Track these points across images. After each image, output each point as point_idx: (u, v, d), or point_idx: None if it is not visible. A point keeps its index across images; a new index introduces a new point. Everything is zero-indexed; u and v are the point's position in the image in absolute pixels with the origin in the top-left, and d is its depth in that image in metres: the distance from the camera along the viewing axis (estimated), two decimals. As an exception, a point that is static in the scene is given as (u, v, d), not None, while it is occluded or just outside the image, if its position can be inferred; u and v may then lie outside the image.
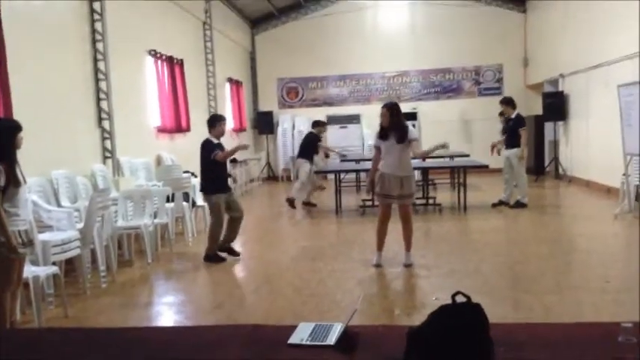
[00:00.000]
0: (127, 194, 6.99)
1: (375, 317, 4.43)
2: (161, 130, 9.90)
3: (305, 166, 10.51)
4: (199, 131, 11.85)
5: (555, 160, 14.15)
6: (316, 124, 11.14)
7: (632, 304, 4.54)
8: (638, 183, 8.77)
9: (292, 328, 2.41)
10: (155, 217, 7.10)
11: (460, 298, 2.80)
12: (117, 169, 8.04)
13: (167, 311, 5.07)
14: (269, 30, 17.06)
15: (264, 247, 7.63)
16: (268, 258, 6.91)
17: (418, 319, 4.42)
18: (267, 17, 16.87)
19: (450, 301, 4.61)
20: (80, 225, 5.70)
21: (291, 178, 16.49)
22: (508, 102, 10.09)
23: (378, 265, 6.04)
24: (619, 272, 5.68)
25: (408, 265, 6.00)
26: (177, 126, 10.41)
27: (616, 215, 8.55)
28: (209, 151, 6.66)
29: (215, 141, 6.75)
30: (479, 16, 16.20)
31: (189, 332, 3.04)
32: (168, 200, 7.58)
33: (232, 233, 6.85)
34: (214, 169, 6.70)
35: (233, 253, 6.84)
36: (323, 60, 16.61)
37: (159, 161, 9.41)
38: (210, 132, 6.83)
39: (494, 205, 9.83)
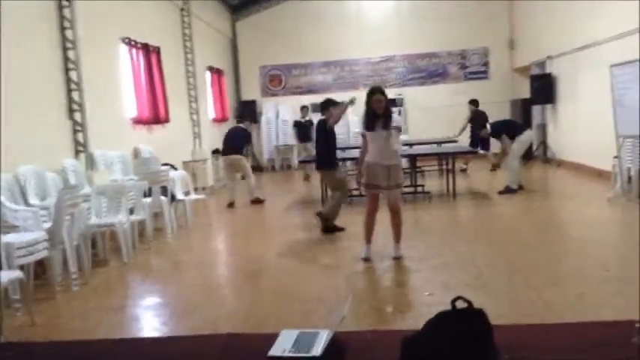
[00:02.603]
0: (100, 189, 6.63)
1: (365, 316, 4.14)
2: (137, 121, 9.50)
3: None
4: (179, 122, 11.52)
5: (543, 143, 13.94)
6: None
7: (634, 296, 4.29)
8: (630, 165, 8.55)
9: (273, 337, 2.11)
10: (131, 213, 6.75)
11: (460, 303, 2.49)
12: (90, 163, 7.65)
13: (143, 315, 4.75)
14: (250, 16, 16.62)
15: (247, 241, 7.29)
16: (251, 254, 6.58)
17: (412, 316, 4.16)
18: (249, 3, 16.43)
19: (443, 299, 4.27)
20: (49, 224, 5.34)
21: (276, 168, 16.19)
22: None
23: (366, 259, 5.74)
24: (618, 260, 5.44)
25: (397, 258, 5.71)
26: (155, 117, 10.01)
27: (609, 199, 8.34)
28: (323, 127, 7.25)
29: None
30: (463, -1, 15.88)
31: (159, 344, 2.75)
32: (145, 195, 7.23)
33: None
34: (331, 145, 7.32)
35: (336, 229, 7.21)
36: (306, 46, 16.23)
37: (136, 154, 9.02)
38: (323, 114, 7.35)
39: (500, 193, 9.51)
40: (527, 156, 13.83)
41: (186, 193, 8.82)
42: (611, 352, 2.41)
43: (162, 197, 7.65)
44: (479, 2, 15.88)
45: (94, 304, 4.94)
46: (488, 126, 10.53)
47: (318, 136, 7.53)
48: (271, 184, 13.17)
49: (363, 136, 5.84)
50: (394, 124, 5.79)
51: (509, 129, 9.99)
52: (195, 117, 12.54)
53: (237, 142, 10.40)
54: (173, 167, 9.38)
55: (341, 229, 7.19)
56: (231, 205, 9.88)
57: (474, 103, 13.08)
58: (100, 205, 6.54)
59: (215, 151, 13.27)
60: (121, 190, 6.64)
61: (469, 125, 12.85)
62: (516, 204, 8.77)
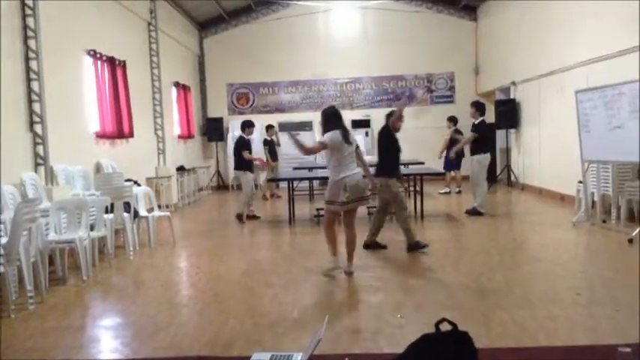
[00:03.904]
0: (60, 204, 6.37)
1: (336, 339, 4.01)
2: (101, 135, 9.24)
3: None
4: (144, 137, 11.27)
5: (508, 167, 14.15)
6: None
7: (607, 319, 4.29)
8: (594, 190, 8.70)
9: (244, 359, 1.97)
10: (92, 229, 6.50)
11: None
12: (50, 177, 7.37)
13: (103, 336, 4.51)
14: (218, 33, 16.55)
15: (213, 260, 7.10)
16: (217, 273, 6.39)
17: (384, 339, 4.06)
18: (217, 20, 16.35)
19: (415, 320, 4.18)
20: (5, 239, 5.08)
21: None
22: (476, 106, 9.90)
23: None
24: (587, 283, 5.46)
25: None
26: (119, 131, 9.76)
27: (574, 223, 8.44)
28: (382, 134, 7.17)
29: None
30: (430, 24, 16.16)
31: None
32: (107, 211, 6.98)
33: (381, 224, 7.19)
34: (389, 152, 7.10)
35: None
36: (274, 65, 16.21)
37: (98, 169, 8.75)
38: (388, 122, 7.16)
39: (468, 213, 9.58)
40: (491, 179, 14.04)
41: (150, 210, 8.58)
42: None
43: (125, 214, 7.42)
44: (445, 28, 16.19)
45: (52, 324, 4.68)
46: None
47: (378, 144, 7.31)
48: (237, 203, 12.95)
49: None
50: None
51: (485, 137, 9.91)
52: (160, 133, 12.31)
53: (235, 155, 10.24)
54: (136, 183, 9.14)
55: (425, 246, 6.94)
56: (239, 217, 9.91)
57: (453, 120, 13.12)
58: (59, 221, 6.28)
59: (180, 168, 13.05)
60: (82, 206, 6.39)
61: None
62: (483, 226, 8.80)
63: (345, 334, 4.14)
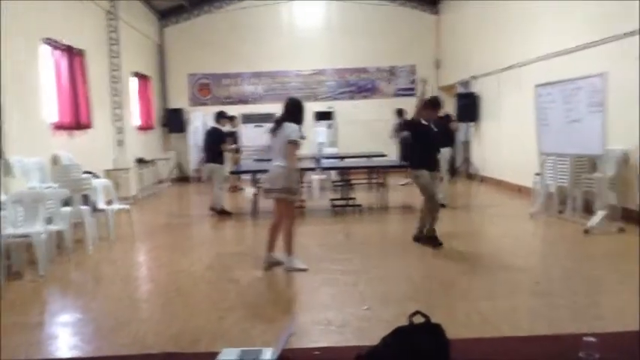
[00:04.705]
0: (16, 198, 6.17)
1: (303, 332, 4.00)
2: (58, 126, 8.97)
3: None
4: (102, 128, 11.01)
5: (467, 160, 14.37)
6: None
7: (567, 309, 4.40)
8: (551, 182, 8.90)
9: (213, 356, 1.96)
10: (49, 223, 6.31)
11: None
12: (6, 169, 7.11)
13: (62, 333, 4.39)
14: (180, 23, 16.26)
15: (176, 254, 6.98)
16: (180, 267, 6.29)
17: (351, 332, 4.07)
18: (178, 9, 16.06)
19: (381, 313, 4.19)
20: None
21: (203, 179, 15.75)
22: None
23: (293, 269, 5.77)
24: (546, 274, 5.58)
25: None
26: (77, 122, 9.50)
27: (531, 215, 8.63)
28: (411, 125, 7.05)
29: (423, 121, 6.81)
30: (393, 17, 16.23)
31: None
32: (65, 204, 6.79)
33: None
34: (419, 143, 6.83)
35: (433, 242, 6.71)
36: (237, 56, 16.05)
37: (55, 161, 8.50)
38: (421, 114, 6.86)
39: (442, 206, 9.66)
40: (452, 172, 14.23)
41: (109, 203, 8.39)
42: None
43: (84, 207, 7.23)
44: (407, 21, 16.30)
45: (9, 321, 4.53)
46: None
47: (409, 136, 7.16)
48: (198, 196, 12.81)
49: (296, 143, 5.73)
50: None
51: (446, 131, 9.97)
52: (119, 124, 12.04)
53: (207, 147, 9.93)
54: (95, 175, 8.90)
55: (440, 244, 6.66)
56: (223, 212, 9.57)
57: (399, 113, 13.31)
58: (15, 215, 6.08)
59: (139, 160, 12.80)
60: (39, 199, 6.20)
61: (398, 138, 13.12)
62: (445, 218, 8.90)
63: (312, 328, 4.14)
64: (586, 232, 7.14)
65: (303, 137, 5.85)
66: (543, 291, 4.94)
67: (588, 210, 8.16)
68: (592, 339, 2.61)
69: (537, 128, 8.60)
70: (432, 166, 6.85)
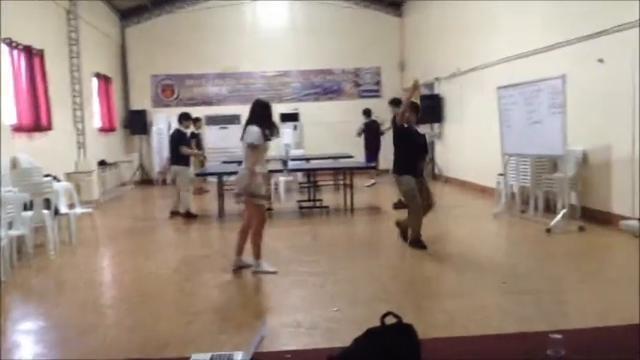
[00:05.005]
0: (-27, 202, 5.96)
1: (273, 335, 3.98)
2: (17, 128, 8.73)
3: None
4: (62, 130, 10.76)
5: (432, 161, 14.54)
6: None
7: (533, 307, 4.49)
8: (514, 183, 9.07)
9: (182, 362, 1.93)
10: (10, 227, 6.14)
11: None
12: (-39, 172, 6.90)
13: (25, 341, 4.27)
14: (142, 23, 16.02)
15: (140, 258, 6.86)
16: (146, 271, 6.20)
17: (321, 334, 4.07)
18: (140, 9, 15.83)
19: (351, 314, 4.21)
20: None
21: (167, 182, 15.53)
22: (396, 103, 10.07)
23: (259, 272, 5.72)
24: (511, 273, 5.67)
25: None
26: (37, 124, 9.27)
27: (495, 215, 8.78)
28: (395, 127, 6.81)
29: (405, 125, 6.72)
30: (357, 19, 16.33)
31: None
32: (25, 208, 6.61)
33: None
34: (401, 148, 6.73)
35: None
36: (201, 57, 15.90)
37: (15, 164, 8.27)
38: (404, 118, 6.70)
39: (395, 207, 9.73)
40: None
41: (71, 207, 8.21)
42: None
43: (45, 211, 7.05)
44: (371, 23, 16.41)
45: (-33, 330, 4.39)
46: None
47: (393, 139, 6.90)
48: (162, 199, 12.62)
49: (255, 146, 5.68)
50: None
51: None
52: (80, 125, 11.80)
53: (171, 149, 9.75)
54: (56, 179, 8.70)
55: (425, 247, 6.57)
56: (188, 214, 9.39)
57: (367, 113, 13.38)
58: (-28, 219, 5.89)
59: (101, 163, 12.56)
60: (-2, 203, 6.02)
61: (363, 138, 13.22)
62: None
63: (281, 330, 4.12)
64: (548, 231, 7.30)
65: (268, 139, 5.78)
66: (509, 290, 5.02)
67: (549, 209, 8.35)
68: (558, 336, 2.67)
69: (500, 129, 8.76)
70: (417, 171, 6.70)
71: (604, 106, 7.54)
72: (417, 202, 6.61)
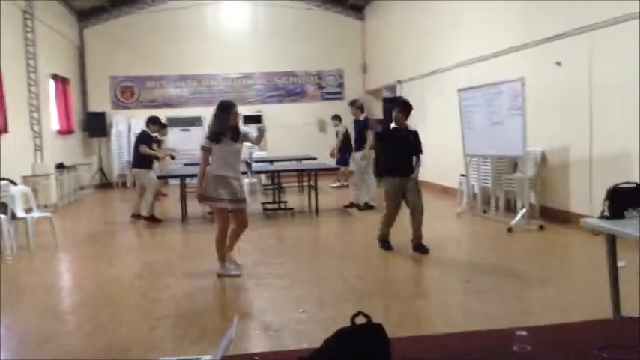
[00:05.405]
0: None
1: (240, 338, 3.94)
2: (-29, 131, 8.46)
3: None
4: (18, 133, 10.46)
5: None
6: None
7: (497, 304, 4.56)
8: (475, 183, 9.23)
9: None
10: (-37, 233, 5.93)
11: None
12: None
13: (-19, 349, 4.12)
14: (100, 24, 15.72)
15: (101, 263, 6.71)
16: (107, 276, 6.06)
17: (288, 335, 4.04)
18: (98, 10, 15.53)
19: (318, 315, 4.21)
20: None
21: (127, 185, 15.24)
22: (357, 105, 10.13)
23: (221, 275, 5.65)
24: (475, 271, 5.75)
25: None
26: (-8, 126, 8.99)
27: (458, 214, 8.91)
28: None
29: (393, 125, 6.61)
30: (320, 21, 16.37)
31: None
32: (-20, 213, 6.40)
33: (415, 224, 6.46)
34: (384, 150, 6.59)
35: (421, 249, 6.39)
36: (161, 58, 15.69)
37: (-32, 167, 8.01)
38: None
39: (345, 207, 9.84)
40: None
41: (28, 211, 7.98)
42: (497, 359, 2.48)
43: (1, 215, 6.84)
44: (333, 26, 16.47)
45: None
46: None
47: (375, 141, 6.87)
48: (122, 203, 12.39)
49: (207, 149, 5.59)
50: (243, 131, 5.80)
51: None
52: (36, 128, 11.49)
53: (134, 152, 9.46)
54: (12, 182, 8.44)
55: (391, 248, 6.55)
56: (152, 218, 9.14)
57: (338, 118, 13.29)
58: None
59: (59, 166, 12.26)
60: (-49, 208, 5.81)
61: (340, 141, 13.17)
62: (375, 220, 9.02)
63: (248, 333, 4.09)
64: (509, 230, 7.44)
65: (235, 140, 5.69)
66: (474, 288, 5.10)
67: (510, 209, 8.52)
68: (523, 333, 2.73)
69: (462, 131, 8.89)
70: (401, 172, 6.50)
71: (562, 108, 7.74)
72: (389, 205, 6.56)
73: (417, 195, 6.51)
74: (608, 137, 6.93)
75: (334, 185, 13.16)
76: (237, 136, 5.64)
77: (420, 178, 6.66)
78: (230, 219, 5.70)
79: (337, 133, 13.03)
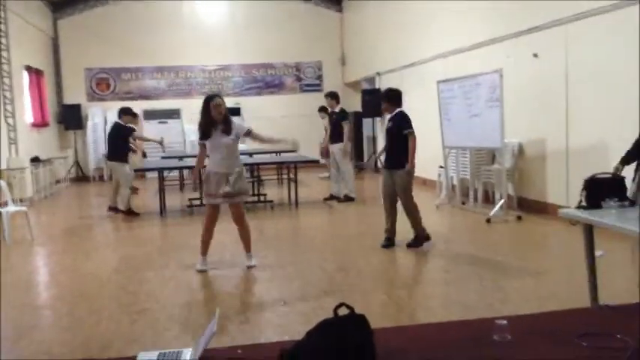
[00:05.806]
0: None
1: (221, 331, 3.92)
2: (-59, 123, 8.26)
3: None
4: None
5: (374, 154, 14.69)
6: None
7: (476, 294, 4.61)
8: (454, 175, 9.29)
9: (129, 360, 1.87)
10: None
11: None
12: None
13: (-44, 346, 4.04)
14: (74, 15, 15.43)
15: (79, 257, 6.61)
16: (85, 270, 5.99)
17: (270, 328, 4.04)
18: (73, 1, 15.23)
19: (300, 308, 4.20)
20: None
21: (104, 178, 15.05)
22: (333, 96, 10.12)
23: (202, 271, 5.56)
24: (454, 261, 5.79)
25: (251, 267, 5.57)
26: (-37, 119, 8.78)
27: (437, 206, 8.97)
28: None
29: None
30: (298, 13, 16.28)
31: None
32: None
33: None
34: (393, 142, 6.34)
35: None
36: (138, 50, 15.45)
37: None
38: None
39: (325, 200, 9.85)
40: (359, 166, 14.53)
41: (3, 205, 7.84)
42: (474, 348, 2.51)
43: (-25, 210, 6.71)
44: (312, 18, 16.40)
45: None
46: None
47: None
48: (99, 196, 12.23)
49: (200, 144, 5.62)
50: (243, 129, 5.78)
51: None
52: (10, 121, 11.27)
53: (110, 144, 9.39)
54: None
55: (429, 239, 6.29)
56: (130, 212, 9.03)
57: (325, 110, 13.16)
58: None
59: (34, 159, 12.05)
60: None
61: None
62: (356, 211, 9.08)
63: (230, 326, 4.06)
64: (488, 221, 7.51)
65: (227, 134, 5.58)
66: (453, 278, 5.14)
67: (488, 200, 8.60)
68: (504, 322, 2.75)
69: (440, 123, 8.94)
70: (388, 164, 6.51)
71: (539, 100, 7.81)
72: (389, 198, 6.43)
73: (401, 192, 6.36)
74: (584, 128, 7.02)
75: (322, 176, 13.08)
76: (228, 129, 5.50)
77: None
78: (216, 216, 5.62)
79: (325, 127, 12.97)
